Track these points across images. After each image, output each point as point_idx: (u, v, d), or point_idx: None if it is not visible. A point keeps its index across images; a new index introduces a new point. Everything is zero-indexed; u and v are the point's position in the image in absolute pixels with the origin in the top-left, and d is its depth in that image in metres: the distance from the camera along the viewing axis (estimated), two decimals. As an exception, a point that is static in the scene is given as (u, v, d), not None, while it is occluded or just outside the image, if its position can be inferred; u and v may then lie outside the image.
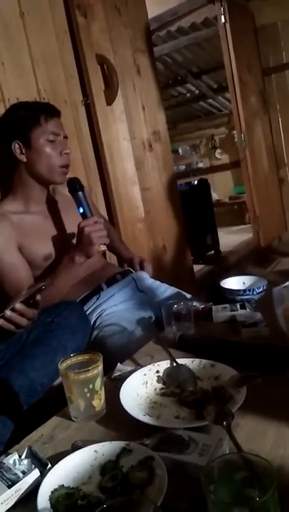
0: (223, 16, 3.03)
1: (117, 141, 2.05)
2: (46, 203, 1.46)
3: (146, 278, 1.53)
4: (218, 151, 5.72)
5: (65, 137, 1.42)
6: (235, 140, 3.70)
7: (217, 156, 5.74)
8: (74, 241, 1.36)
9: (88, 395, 0.80)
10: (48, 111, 1.38)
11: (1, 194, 1.49)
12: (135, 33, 2.21)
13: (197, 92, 5.27)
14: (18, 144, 1.35)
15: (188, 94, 5.36)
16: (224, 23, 3.04)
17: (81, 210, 1.31)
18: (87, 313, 1.35)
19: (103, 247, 1.28)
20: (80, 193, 1.32)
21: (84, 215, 1.30)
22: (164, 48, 4.33)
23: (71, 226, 1.42)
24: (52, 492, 0.61)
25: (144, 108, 2.23)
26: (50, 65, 1.78)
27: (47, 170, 1.37)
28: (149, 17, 2.42)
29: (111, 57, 2.00)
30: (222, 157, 5.72)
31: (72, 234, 1.39)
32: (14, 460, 0.69)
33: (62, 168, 1.38)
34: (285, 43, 3.49)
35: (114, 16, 2.08)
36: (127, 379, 0.88)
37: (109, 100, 2.00)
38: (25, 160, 1.36)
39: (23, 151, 1.36)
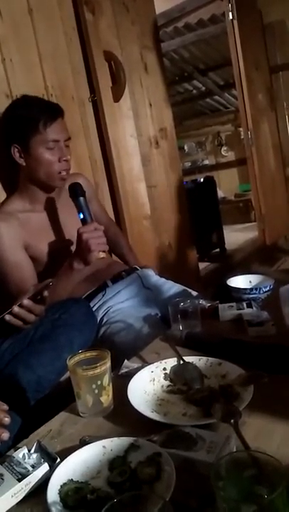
0: (230, 13, 3.00)
1: (123, 137, 2.05)
2: (52, 201, 1.46)
3: (152, 275, 1.54)
4: (224, 148, 5.68)
5: (68, 139, 1.38)
6: (242, 137, 3.68)
7: (223, 153, 5.70)
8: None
9: (96, 391, 0.81)
10: (49, 114, 1.32)
11: (8, 192, 1.49)
12: (143, 29, 2.20)
13: (203, 88, 5.24)
14: (17, 148, 1.34)
15: (194, 91, 5.32)
16: (232, 20, 3.01)
17: (81, 216, 1.28)
18: (94, 309, 1.36)
19: (102, 254, 1.25)
20: (81, 198, 1.30)
21: (84, 221, 1.28)
22: (170, 44, 4.31)
23: (77, 223, 1.43)
24: (61, 486, 0.62)
25: (151, 105, 2.22)
26: (58, 62, 1.79)
27: (45, 176, 1.36)
28: (156, 13, 2.41)
29: (118, 53, 2.00)
30: (228, 154, 5.68)
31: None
32: (23, 454, 0.70)
33: (60, 174, 1.36)
34: (293, 41, 3.46)
35: (122, 12, 2.07)
36: (135, 376, 0.89)
37: (117, 97, 2.00)
38: (24, 164, 1.36)
39: (22, 155, 1.34)
